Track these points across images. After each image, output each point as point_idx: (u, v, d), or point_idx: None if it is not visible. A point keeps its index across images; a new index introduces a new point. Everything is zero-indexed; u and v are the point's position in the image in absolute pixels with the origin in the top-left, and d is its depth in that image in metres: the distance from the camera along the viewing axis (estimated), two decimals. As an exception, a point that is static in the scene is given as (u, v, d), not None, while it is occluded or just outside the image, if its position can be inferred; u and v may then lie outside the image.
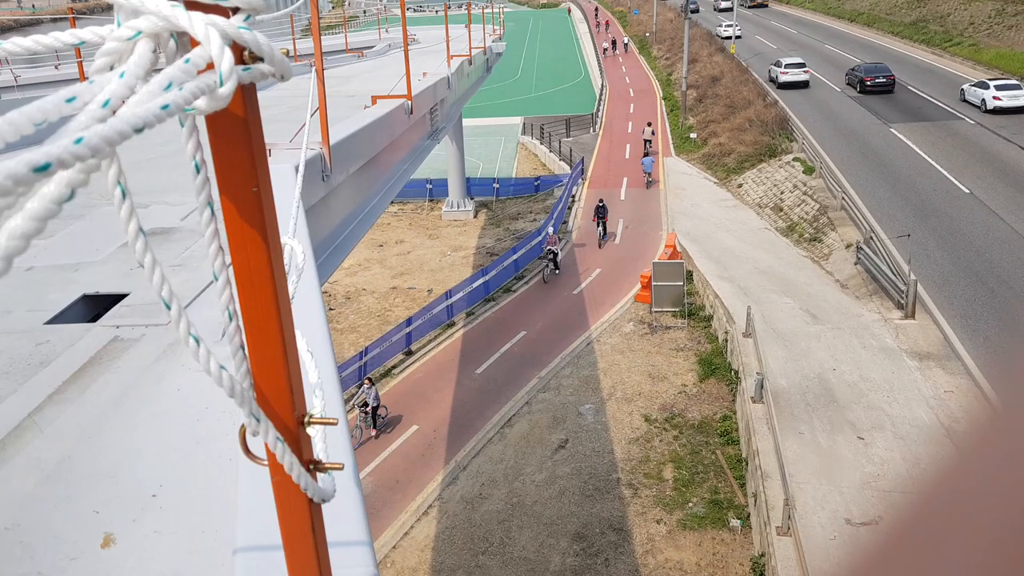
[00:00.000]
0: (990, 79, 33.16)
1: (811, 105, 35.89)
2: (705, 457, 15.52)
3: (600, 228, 26.36)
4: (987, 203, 22.69)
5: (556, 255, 24.05)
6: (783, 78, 38.21)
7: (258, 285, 1.01)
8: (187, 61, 0.74)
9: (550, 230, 24.77)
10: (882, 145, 29.18)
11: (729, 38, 52.02)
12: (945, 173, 25.38)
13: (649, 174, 31.36)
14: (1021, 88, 31.04)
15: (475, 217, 31.66)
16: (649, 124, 35.78)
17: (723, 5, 74.87)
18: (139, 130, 0.66)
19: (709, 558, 13.18)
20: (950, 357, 15.96)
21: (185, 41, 0.78)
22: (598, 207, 26.51)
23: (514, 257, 24.53)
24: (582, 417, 17.26)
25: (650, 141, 34.45)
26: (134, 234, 0.83)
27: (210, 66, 0.75)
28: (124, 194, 0.79)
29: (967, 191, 23.71)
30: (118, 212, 0.80)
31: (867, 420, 14.29)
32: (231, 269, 1.02)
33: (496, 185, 33.52)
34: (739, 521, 13.71)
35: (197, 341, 0.90)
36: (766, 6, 77.95)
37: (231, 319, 0.98)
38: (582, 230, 27.96)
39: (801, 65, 38.00)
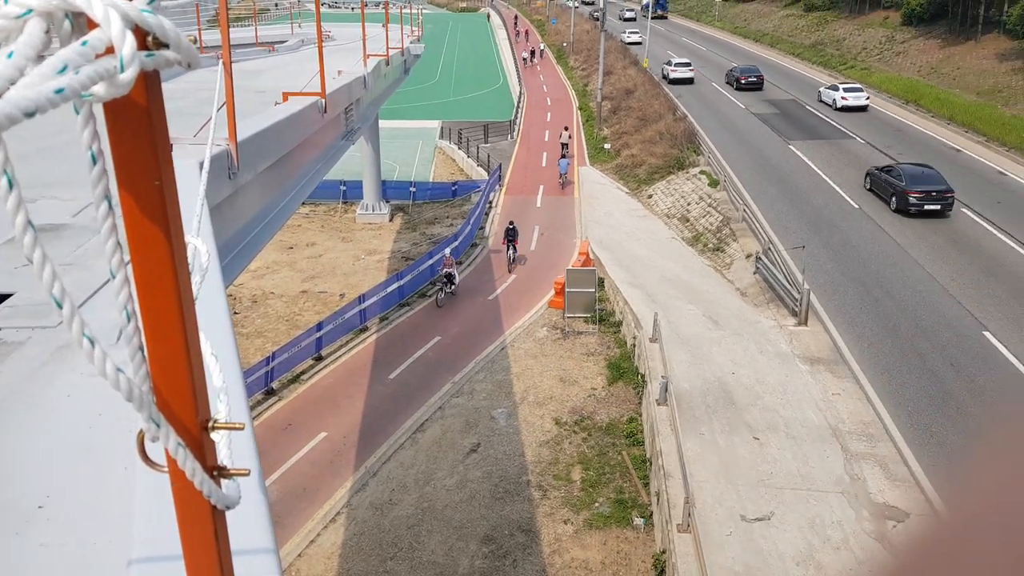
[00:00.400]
0: (840, 83, 39.95)
1: (718, 121, 37.37)
2: (612, 458, 15.85)
3: (510, 251, 25.06)
4: (873, 217, 24.24)
5: (453, 277, 22.94)
6: (673, 75, 45.94)
7: (159, 284, 0.96)
8: (84, 43, 0.70)
9: (447, 252, 23.34)
10: (781, 161, 30.70)
11: (637, 44, 58.28)
12: (837, 188, 26.94)
13: (564, 175, 33.03)
14: (862, 91, 38.40)
15: (391, 221, 31.30)
16: (566, 128, 37.22)
17: (627, 15, 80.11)
18: (30, 114, 0.62)
19: (613, 556, 13.46)
20: (838, 361, 16.93)
21: (82, 23, 0.73)
22: (508, 229, 25.13)
23: (430, 262, 24.37)
24: (494, 421, 17.31)
25: (567, 144, 35.64)
26: (22, 228, 0.77)
27: (109, 50, 0.71)
28: (11, 184, 0.74)
29: (856, 206, 25.25)
30: (4, 204, 0.75)
31: (762, 421, 14.95)
32: (130, 267, 0.96)
33: (413, 189, 33.27)
34: (642, 520, 14.07)
35: (92, 342, 0.85)
36: (665, 18, 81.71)
37: (129, 319, 0.93)
38: (498, 236, 28.10)
39: (687, 64, 46.02)
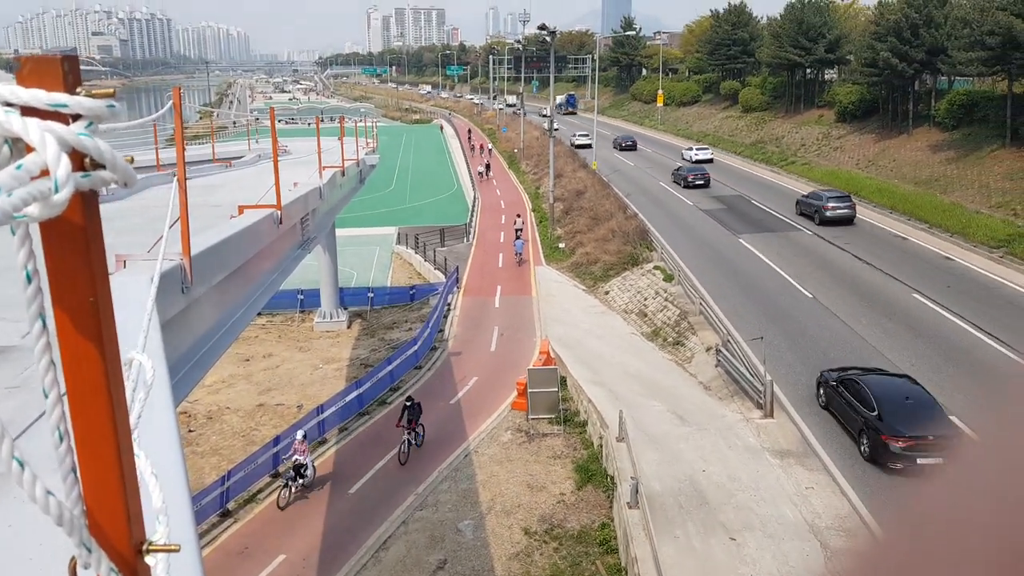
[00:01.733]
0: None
1: (669, 218, 38.62)
2: (585, 569, 15.32)
3: (407, 436, 19.35)
4: (827, 306, 24.89)
5: (303, 468, 18.06)
6: (576, 142, 59.10)
7: (92, 402, 0.95)
8: (19, 167, 0.72)
9: (299, 435, 18.43)
10: (733, 254, 31.65)
11: (586, 147, 61.97)
12: (789, 279, 27.74)
13: (520, 254, 36.70)
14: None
15: (349, 327, 31.10)
16: (519, 215, 41.66)
17: (544, 112, 79.36)
18: None
19: (595, 675, 12.77)
20: (808, 454, 16.90)
21: (21, 147, 0.75)
22: (407, 407, 19.55)
23: (389, 368, 24.11)
24: (461, 534, 16.70)
25: (520, 229, 38.62)
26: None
27: (45, 172, 0.73)
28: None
29: (809, 295, 25.95)
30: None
31: (737, 520, 14.70)
32: (64, 385, 0.95)
33: (371, 294, 33.31)
34: (623, 632, 13.48)
35: (21, 465, 0.83)
36: (574, 114, 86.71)
37: (61, 440, 0.91)
38: (459, 339, 28.03)
39: (586, 135, 55.14)
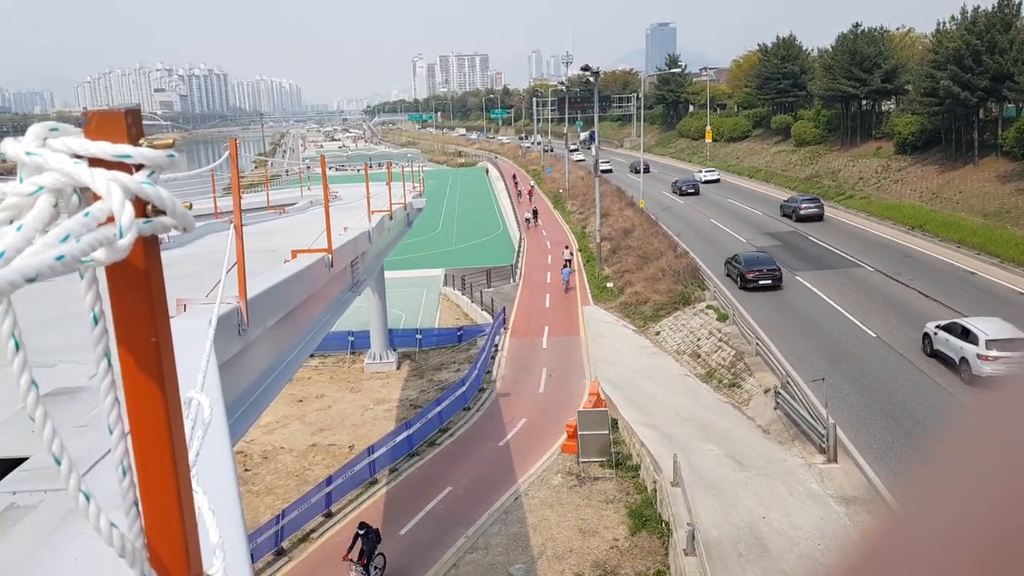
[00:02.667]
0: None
1: (721, 255, 38.21)
2: (642, 616, 14.89)
3: (356, 573, 15.58)
4: (893, 345, 24.09)
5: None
6: (600, 168, 47.86)
7: (154, 439, 0.99)
8: (87, 215, 0.77)
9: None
10: (790, 292, 31.02)
11: (607, 171, 66.24)
12: (851, 317, 27.00)
13: (567, 281, 38.41)
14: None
15: (398, 369, 31.35)
16: (567, 247, 44.32)
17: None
18: (31, 279, 0.67)
19: None
20: (875, 500, 16.24)
21: (88, 196, 0.81)
22: (359, 535, 15.89)
23: (438, 409, 24.18)
24: (512, 579, 16.45)
25: (569, 260, 40.29)
26: (25, 388, 0.81)
27: (110, 219, 0.78)
28: (17, 346, 0.79)
29: (873, 335, 25.18)
30: (11, 364, 0.79)
31: (801, 570, 14.16)
32: (127, 423, 1.00)
33: (419, 336, 33.59)
34: None
35: (88, 498, 0.87)
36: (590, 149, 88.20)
37: (124, 474, 0.95)
38: (507, 380, 27.99)
39: (607, 161, 54.25)
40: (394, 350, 32.24)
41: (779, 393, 21.01)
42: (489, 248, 54.25)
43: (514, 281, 42.30)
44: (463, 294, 40.36)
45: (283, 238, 16.44)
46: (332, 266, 11.91)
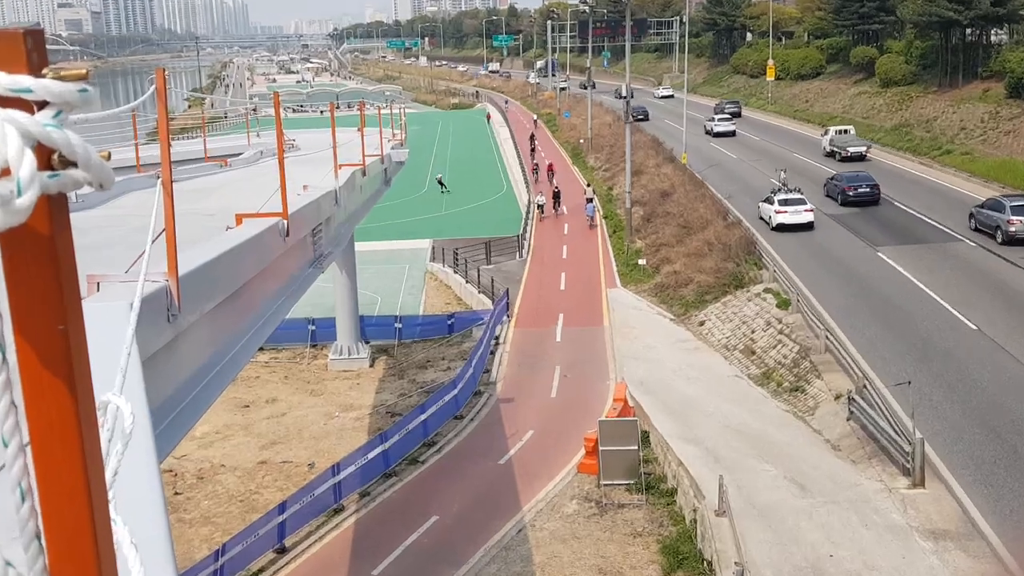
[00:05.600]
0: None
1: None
2: None
3: None
4: (999, 341, 24.02)
5: None
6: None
7: (60, 452, 0.98)
8: (-28, 166, 0.76)
9: None
10: (869, 273, 30.96)
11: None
12: (947, 306, 26.93)
13: (591, 218, 44.56)
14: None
15: (371, 367, 31.44)
16: (588, 184, 49.96)
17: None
18: None
19: None
20: (971, 535, 16.29)
21: (-23, 141, 0.79)
22: None
23: (422, 417, 24.29)
24: (514, 631, 16.61)
25: (591, 199, 45.22)
26: None
27: (6, 172, 0.77)
28: None
29: (974, 327, 25.14)
30: None
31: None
32: (26, 433, 0.99)
33: (398, 325, 33.66)
34: None
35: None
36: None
37: (23, 499, 0.95)
38: (510, 381, 28.07)
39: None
40: (366, 343, 32.29)
41: (853, 400, 21.04)
42: (489, 214, 54.18)
43: (521, 256, 42.29)
44: (455, 272, 40.37)
45: (225, 199, 16.39)
46: (288, 235, 11.90)
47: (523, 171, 62.30)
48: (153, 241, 6.46)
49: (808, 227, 37.40)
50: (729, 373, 26.18)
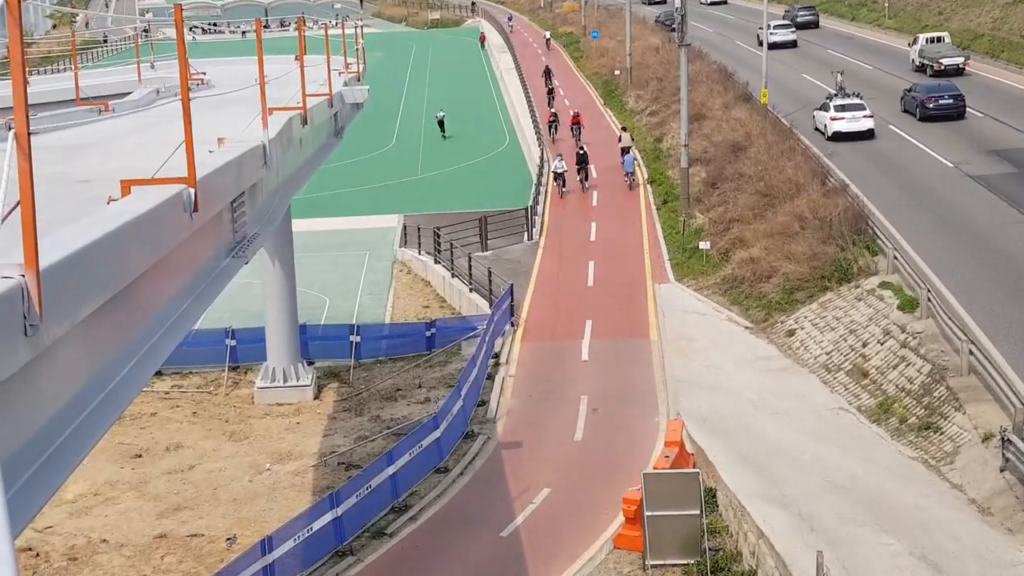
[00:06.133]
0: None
1: (906, 190, 37.94)
2: None
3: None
4: None
5: None
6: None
7: None
8: None
9: None
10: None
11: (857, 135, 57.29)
12: None
13: (631, 174, 47.81)
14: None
15: (317, 398, 31.40)
16: (624, 128, 53.04)
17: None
18: None
19: None
20: None
21: None
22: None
23: (390, 471, 24.25)
24: None
25: (628, 148, 48.23)
26: None
27: None
28: None
29: None
30: None
31: None
32: None
33: (356, 338, 33.57)
34: None
35: None
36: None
37: None
38: (515, 417, 28.00)
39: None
40: (309, 364, 32.23)
41: (1009, 442, 21.00)
42: (486, 177, 54.28)
43: (530, 238, 42.26)
44: (436, 262, 40.31)
45: (106, 158, 16.32)
46: (196, 210, 11.86)
47: (534, 121, 61.88)
48: (4, 219, 6.43)
49: (868, 135, 46.85)
50: (831, 404, 26.09)
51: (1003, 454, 21.14)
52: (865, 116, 46.61)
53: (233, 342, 32.92)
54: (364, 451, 27.74)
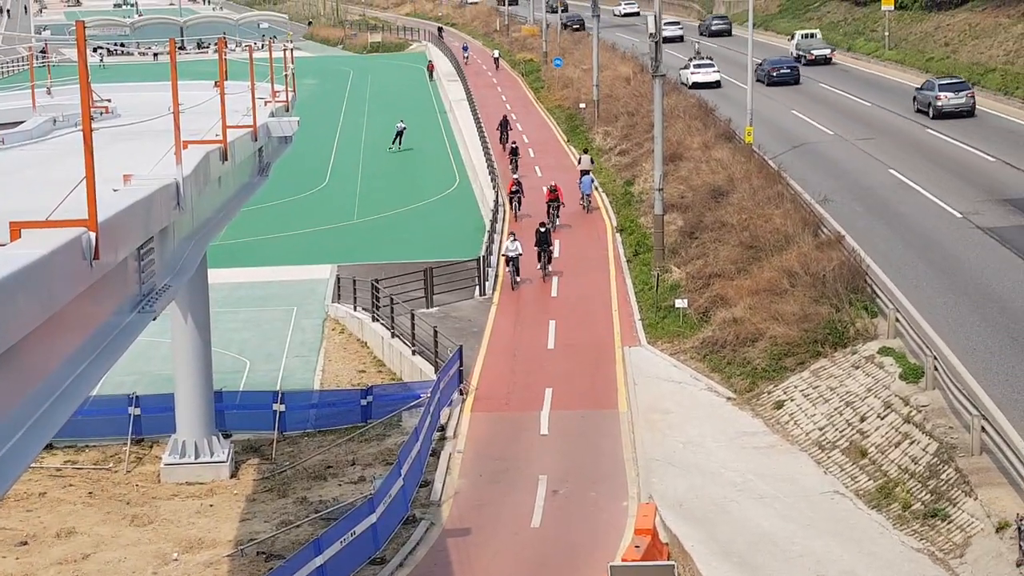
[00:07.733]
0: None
1: (909, 244, 38.30)
2: None
3: None
4: None
5: None
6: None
7: None
8: None
9: None
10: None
11: (708, 84, 75.57)
12: None
13: (587, 196, 52.03)
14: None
15: (233, 476, 31.19)
16: (585, 151, 57.43)
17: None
18: None
19: None
20: None
21: None
22: None
23: (318, 562, 24.04)
24: None
25: (588, 171, 51.54)
26: None
27: None
28: None
29: None
30: None
31: None
32: None
33: (280, 407, 33.43)
34: None
35: None
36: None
37: None
38: (464, 500, 27.87)
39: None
40: (226, 437, 32.03)
41: (1028, 532, 21.10)
42: (433, 222, 54.26)
43: (483, 293, 42.34)
44: (375, 320, 40.30)
45: (-7, 197, 16.18)
46: (96, 257, 11.76)
47: (487, 155, 61.89)
48: None
49: (716, 85, 73.98)
50: (824, 487, 26.14)
51: (1020, 545, 21.20)
52: (714, 71, 76.26)
53: (137, 411, 32.62)
54: (288, 539, 27.50)
